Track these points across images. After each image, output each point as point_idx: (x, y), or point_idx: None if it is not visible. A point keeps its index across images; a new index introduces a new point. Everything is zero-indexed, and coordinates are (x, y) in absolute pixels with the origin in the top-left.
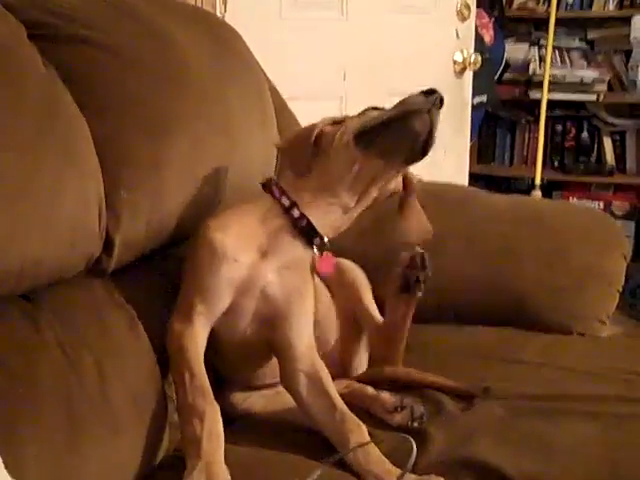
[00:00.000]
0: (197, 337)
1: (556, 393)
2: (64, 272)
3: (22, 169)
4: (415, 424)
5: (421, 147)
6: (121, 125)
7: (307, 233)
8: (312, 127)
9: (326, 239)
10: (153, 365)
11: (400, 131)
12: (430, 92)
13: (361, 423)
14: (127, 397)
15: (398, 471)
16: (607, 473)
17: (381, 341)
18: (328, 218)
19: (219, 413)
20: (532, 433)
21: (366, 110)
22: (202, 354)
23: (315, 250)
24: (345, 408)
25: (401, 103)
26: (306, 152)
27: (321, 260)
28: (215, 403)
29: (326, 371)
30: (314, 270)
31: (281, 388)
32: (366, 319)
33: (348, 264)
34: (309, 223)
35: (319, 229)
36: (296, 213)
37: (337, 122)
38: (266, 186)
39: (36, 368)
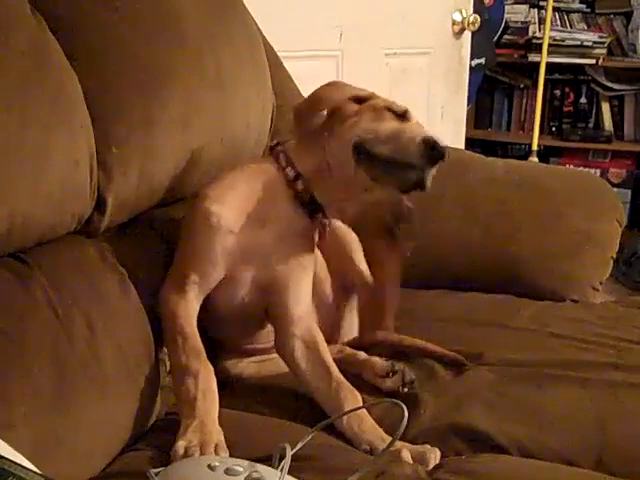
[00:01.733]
0: (189, 305)
1: (547, 360)
2: (54, 231)
3: (9, 124)
4: (405, 389)
5: (411, 189)
6: (112, 79)
7: (310, 206)
8: (332, 96)
9: (329, 220)
10: (145, 327)
11: (391, 175)
12: (432, 147)
13: (356, 392)
14: (118, 358)
15: (390, 438)
16: (596, 440)
17: (371, 303)
18: (332, 197)
19: (213, 373)
20: (522, 399)
21: (385, 108)
22: (195, 319)
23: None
24: (340, 376)
25: (399, 141)
26: (311, 120)
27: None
28: (209, 363)
29: (323, 339)
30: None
31: (272, 355)
32: (357, 279)
33: (341, 228)
34: (312, 197)
35: (323, 205)
36: (300, 186)
37: (360, 99)
38: (273, 150)
39: (26, 328)
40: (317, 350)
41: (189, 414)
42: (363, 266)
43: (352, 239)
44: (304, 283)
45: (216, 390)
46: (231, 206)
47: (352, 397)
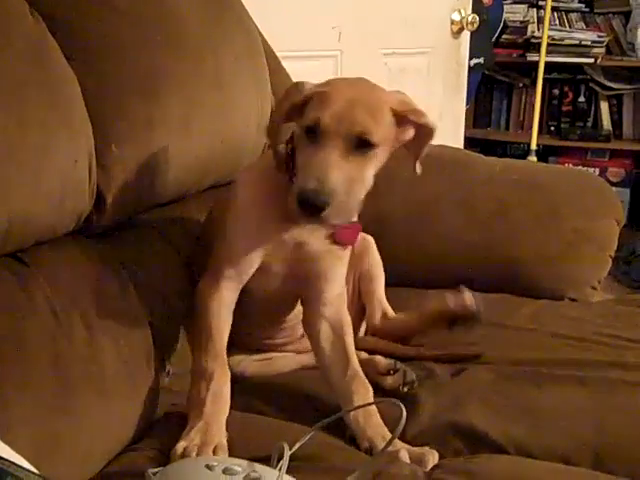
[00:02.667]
0: (223, 300)
1: (545, 358)
2: (54, 230)
3: (9, 123)
4: (406, 389)
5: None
6: (112, 79)
7: None
8: (276, 117)
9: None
10: (144, 327)
11: None
12: (306, 203)
13: (369, 386)
14: (117, 359)
15: None
16: (596, 439)
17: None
18: None
19: (228, 378)
20: (521, 398)
21: (305, 132)
22: (226, 315)
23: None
24: (358, 367)
25: (290, 197)
26: (275, 151)
27: (343, 229)
28: (227, 368)
29: (349, 325)
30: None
31: (276, 353)
32: (371, 313)
33: (371, 245)
34: None
35: None
36: None
37: (296, 107)
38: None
39: (25, 328)
40: (342, 335)
41: (196, 415)
42: (382, 301)
43: (378, 264)
44: (338, 269)
45: (228, 395)
46: (263, 200)
47: (364, 390)
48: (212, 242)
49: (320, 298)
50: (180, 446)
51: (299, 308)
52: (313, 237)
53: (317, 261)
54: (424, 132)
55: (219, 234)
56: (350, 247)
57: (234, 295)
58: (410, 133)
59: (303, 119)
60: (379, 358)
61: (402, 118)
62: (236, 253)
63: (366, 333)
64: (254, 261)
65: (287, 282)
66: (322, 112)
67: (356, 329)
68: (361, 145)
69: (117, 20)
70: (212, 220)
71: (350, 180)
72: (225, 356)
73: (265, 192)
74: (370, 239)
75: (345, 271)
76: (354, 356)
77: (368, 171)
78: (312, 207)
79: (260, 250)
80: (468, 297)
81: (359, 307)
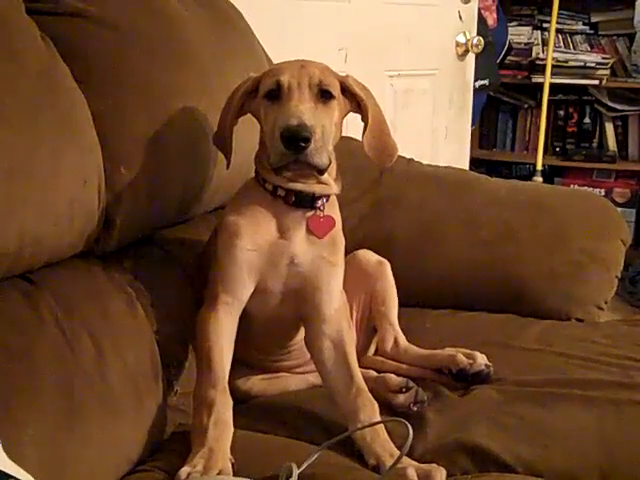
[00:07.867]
0: (223, 327)
1: (553, 379)
2: (63, 251)
3: (20, 145)
4: (415, 408)
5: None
6: (121, 101)
7: (303, 204)
8: (228, 110)
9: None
10: (152, 346)
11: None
12: (290, 137)
13: (374, 402)
14: (126, 378)
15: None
16: (603, 459)
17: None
18: (310, 180)
19: (230, 404)
20: (528, 419)
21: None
22: (227, 342)
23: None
24: (362, 383)
25: (275, 142)
26: (225, 146)
27: (317, 220)
28: (228, 394)
29: (351, 341)
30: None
31: (283, 373)
32: (382, 337)
33: (386, 269)
34: (297, 195)
35: (313, 191)
36: (282, 192)
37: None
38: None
39: (34, 348)
40: (343, 352)
41: (199, 442)
42: (395, 328)
43: (392, 295)
44: (334, 281)
45: (230, 421)
46: (247, 225)
47: (370, 406)
48: (209, 269)
49: (319, 314)
50: (183, 471)
51: None
52: (302, 249)
53: (311, 273)
54: (364, 110)
55: (213, 261)
56: (343, 259)
57: (234, 319)
58: (352, 104)
59: (261, 89)
60: (391, 376)
61: (343, 86)
62: (230, 278)
63: (375, 354)
64: (249, 284)
65: (285, 301)
66: (279, 75)
67: (365, 349)
68: (322, 95)
69: (125, 42)
70: (208, 247)
71: (321, 124)
72: (226, 383)
73: (252, 215)
74: (386, 263)
75: (341, 283)
76: (358, 373)
77: (332, 121)
78: (297, 141)
79: (253, 272)
80: (480, 356)
81: (368, 327)
